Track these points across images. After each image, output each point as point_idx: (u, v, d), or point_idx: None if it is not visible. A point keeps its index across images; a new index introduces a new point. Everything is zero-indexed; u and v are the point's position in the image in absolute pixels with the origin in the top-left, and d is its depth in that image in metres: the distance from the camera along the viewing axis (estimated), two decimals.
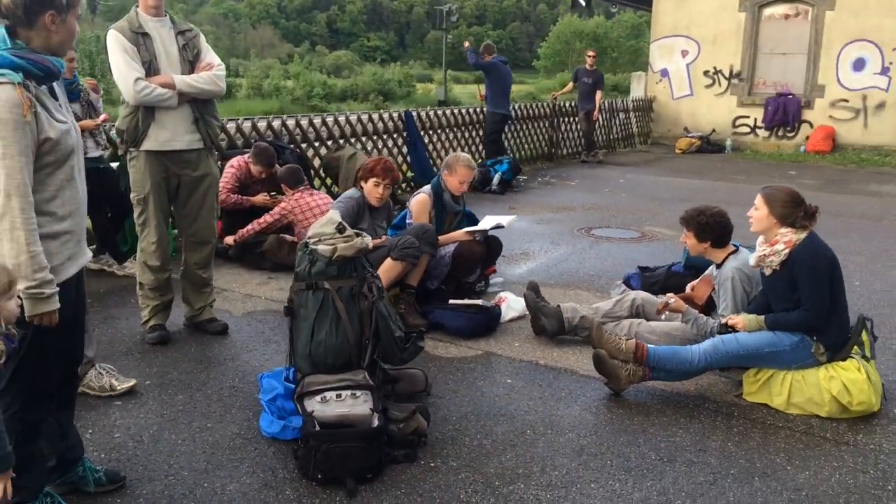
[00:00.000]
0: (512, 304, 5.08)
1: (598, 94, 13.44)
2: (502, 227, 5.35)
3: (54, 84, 2.54)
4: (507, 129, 11.84)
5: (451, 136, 11.05)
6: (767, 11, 15.99)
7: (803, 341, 3.74)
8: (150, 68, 4.10)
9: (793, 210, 3.73)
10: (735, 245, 4.37)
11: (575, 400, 3.89)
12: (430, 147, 10.50)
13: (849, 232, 8.22)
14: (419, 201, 5.22)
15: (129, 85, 4.03)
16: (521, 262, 6.67)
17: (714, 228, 4.26)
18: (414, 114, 10.29)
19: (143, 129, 4.15)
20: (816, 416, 3.72)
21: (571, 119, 14.03)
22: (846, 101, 15.33)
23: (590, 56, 13.63)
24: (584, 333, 4.55)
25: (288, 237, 6.07)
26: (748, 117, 16.27)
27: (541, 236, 7.69)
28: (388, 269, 4.67)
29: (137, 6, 4.21)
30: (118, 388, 3.75)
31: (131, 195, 4.34)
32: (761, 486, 3.09)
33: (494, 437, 3.46)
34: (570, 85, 14.13)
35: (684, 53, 16.77)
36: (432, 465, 3.21)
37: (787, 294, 3.74)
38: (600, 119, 14.21)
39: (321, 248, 3.39)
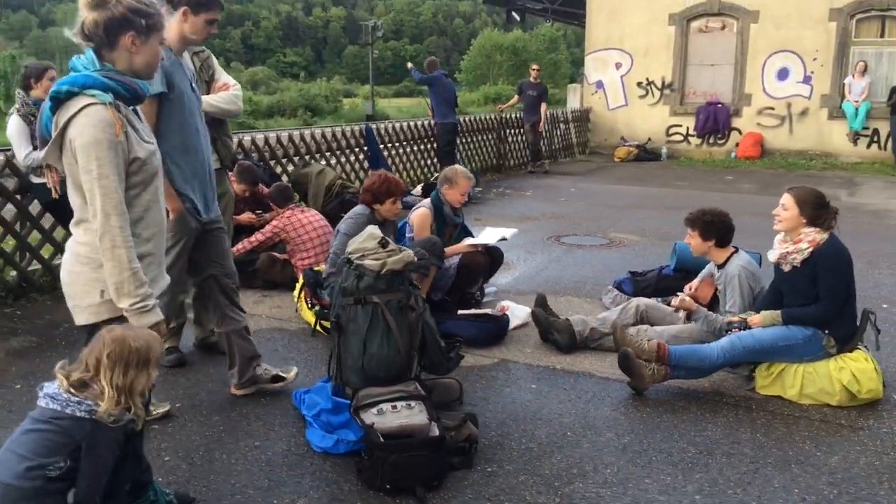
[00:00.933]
0: (515, 313, 5.21)
1: (543, 106, 13.77)
2: (505, 239, 5.49)
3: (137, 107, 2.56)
4: (458, 142, 12.04)
5: (407, 149, 11.16)
6: (695, 24, 16.69)
7: (815, 335, 3.99)
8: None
9: (822, 211, 3.98)
10: (734, 246, 4.62)
11: (602, 401, 4.04)
12: (389, 161, 10.57)
13: None
14: (421, 215, 5.30)
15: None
16: (504, 271, 6.78)
17: (719, 227, 4.49)
18: (374, 128, 10.36)
19: None
20: (828, 405, 3.97)
21: (517, 131, 14.32)
22: (772, 108, 16.13)
23: (534, 69, 13.97)
24: (593, 344, 4.72)
25: (279, 255, 6.05)
26: (681, 126, 16.92)
27: (514, 246, 7.82)
28: None
29: None
30: (153, 412, 3.70)
31: None
32: (800, 472, 3.29)
33: (539, 440, 3.57)
34: (515, 98, 14.43)
35: (618, 66, 17.33)
36: (489, 469, 3.29)
37: (806, 290, 3.97)
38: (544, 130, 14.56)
39: (368, 262, 3.45)
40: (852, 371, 3.93)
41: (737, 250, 4.59)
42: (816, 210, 4.00)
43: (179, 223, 3.56)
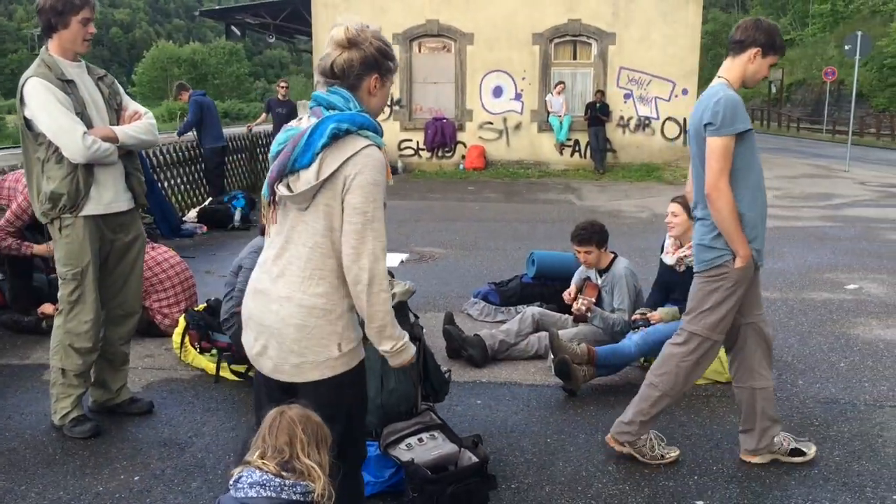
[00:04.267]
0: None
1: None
2: (402, 262, 5.51)
3: None
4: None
5: (175, 173, 10.46)
6: (418, 44, 17.68)
7: None
8: (83, 120, 3.55)
9: None
10: (612, 251, 5.19)
11: (549, 406, 4.33)
12: (159, 186, 9.83)
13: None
14: None
15: (76, 141, 3.44)
16: None
17: (606, 235, 5.02)
18: (142, 153, 9.54)
19: (84, 190, 3.57)
20: (717, 382, 4.67)
21: (267, 150, 14.03)
22: (491, 123, 17.67)
23: (282, 87, 13.80)
24: (501, 356, 5.01)
25: None
26: (411, 140, 17.81)
27: None
28: None
29: (48, 49, 3.60)
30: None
31: (60, 270, 3.67)
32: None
33: (530, 451, 3.76)
34: (263, 116, 14.13)
35: None
36: (514, 486, 3.41)
37: None
38: None
39: None
40: None
41: (616, 255, 5.16)
42: None
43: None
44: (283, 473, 2.04)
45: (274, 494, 2.02)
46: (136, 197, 3.85)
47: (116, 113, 3.77)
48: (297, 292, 2.28)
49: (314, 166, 2.18)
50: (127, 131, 3.69)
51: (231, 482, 2.08)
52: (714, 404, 4.36)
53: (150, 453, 3.69)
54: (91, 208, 3.62)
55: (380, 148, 2.25)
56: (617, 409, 4.23)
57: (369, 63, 2.28)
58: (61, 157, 3.52)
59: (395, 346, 2.31)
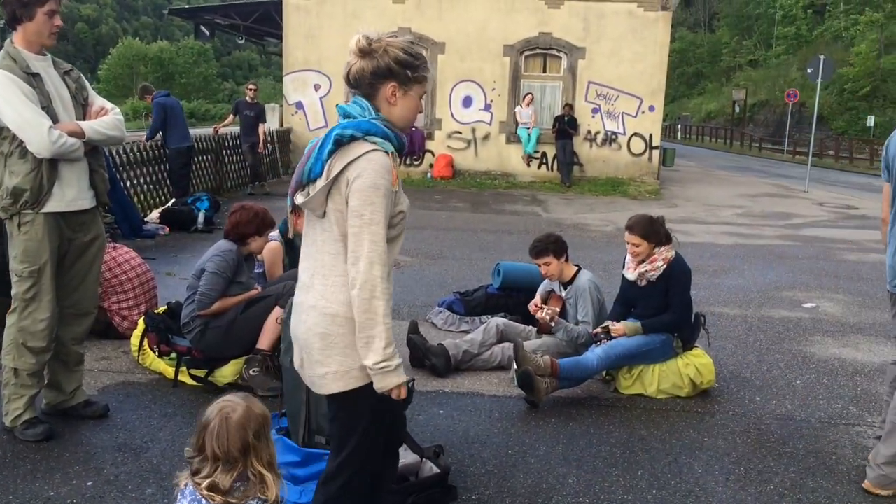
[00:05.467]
0: None
1: (262, 127, 13.57)
2: None
3: None
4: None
5: (138, 172, 10.31)
6: None
7: (668, 339, 4.71)
8: (48, 115, 3.48)
9: (660, 229, 4.66)
10: (576, 264, 5.22)
11: (511, 418, 4.33)
12: (121, 185, 9.67)
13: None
14: (272, 249, 5.09)
15: (42, 135, 3.36)
16: None
17: (562, 245, 5.05)
18: (106, 151, 9.38)
19: (48, 187, 3.49)
20: (677, 396, 4.71)
21: (234, 152, 13.91)
22: (460, 132, 17.72)
23: (250, 90, 13.68)
24: (465, 366, 5.00)
25: None
26: None
27: None
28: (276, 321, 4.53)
29: (12, 41, 3.52)
30: None
31: (16, 266, 3.58)
32: (706, 457, 3.92)
33: (491, 462, 3.75)
34: (231, 117, 13.98)
35: (317, 87, 17.65)
36: (475, 497, 3.40)
37: (658, 301, 4.67)
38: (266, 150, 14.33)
39: None
40: (696, 366, 4.72)
41: (580, 268, 5.20)
42: (657, 233, 4.72)
43: None
44: (230, 500, 2.00)
45: None
46: (99, 195, 3.78)
47: (83, 108, 3.70)
48: (321, 300, 2.28)
49: (324, 174, 2.23)
50: (94, 126, 3.62)
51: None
52: (673, 419, 4.40)
53: (105, 458, 3.61)
54: (53, 205, 3.54)
55: (387, 153, 2.25)
56: (578, 421, 4.27)
57: (382, 72, 2.29)
58: (25, 152, 3.44)
59: (379, 362, 2.18)
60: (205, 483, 2.01)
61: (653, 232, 4.66)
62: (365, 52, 2.29)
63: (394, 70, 2.29)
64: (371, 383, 2.25)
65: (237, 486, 2.02)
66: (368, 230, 2.18)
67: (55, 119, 3.50)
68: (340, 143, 2.23)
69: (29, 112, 3.38)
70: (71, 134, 3.50)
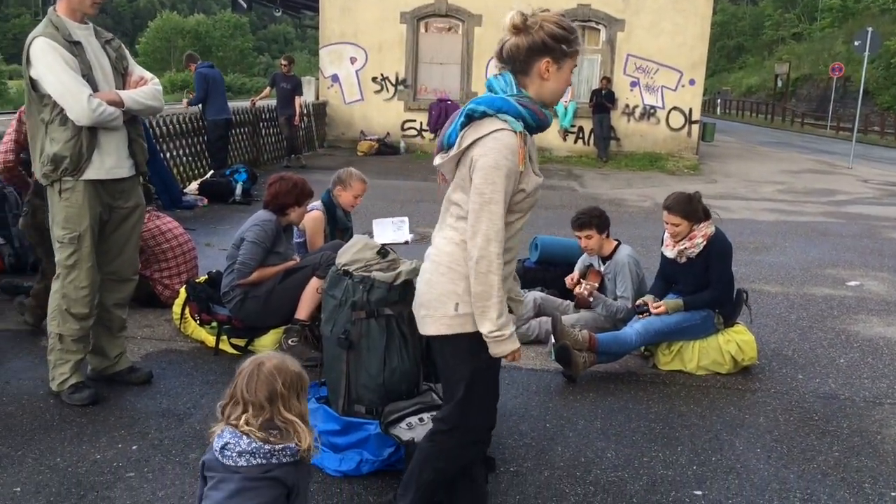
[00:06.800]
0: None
1: (298, 100, 13.59)
2: (408, 242, 5.48)
3: None
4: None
5: (177, 144, 10.40)
6: (425, 24, 17.55)
7: (709, 315, 4.64)
8: (88, 83, 3.50)
9: (699, 206, 4.58)
10: (616, 239, 5.15)
11: (548, 391, 4.32)
12: (161, 157, 9.78)
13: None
14: (314, 218, 5.11)
15: (82, 103, 3.40)
16: None
17: (605, 220, 4.98)
18: (146, 122, 9.48)
19: (87, 154, 3.52)
20: (717, 373, 4.65)
21: (271, 125, 13.97)
22: None
23: (283, 64, 13.69)
24: None
25: None
26: (415, 121, 17.72)
27: None
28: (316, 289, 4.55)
29: (55, 9, 3.54)
30: None
31: (58, 233, 3.63)
32: (747, 434, 3.88)
33: (529, 435, 3.75)
34: (268, 90, 14.03)
35: (353, 60, 17.61)
36: (513, 469, 3.40)
37: (699, 278, 4.60)
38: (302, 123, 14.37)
39: (378, 274, 3.34)
40: (737, 342, 4.65)
41: (619, 242, 5.13)
42: (696, 211, 4.62)
43: None
44: (270, 438, 2.04)
45: (265, 461, 2.05)
46: (138, 165, 3.81)
47: (122, 77, 3.72)
48: (433, 250, 2.50)
49: (457, 143, 2.36)
50: (133, 96, 3.64)
51: (217, 448, 2.07)
52: (714, 395, 4.35)
53: (149, 423, 3.67)
54: (92, 173, 3.58)
55: (515, 133, 2.29)
56: (616, 396, 4.24)
57: (537, 48, 2.33)
58: (66, 119, 3.47)
59: (493, 331, 2.33)
60: (241, 420, 2.05)
61: (692, 210, 4.58)
62: (519, 29, 2.34)
63: (549, 45, 2.33)
64: (467, 334, 2.40)
65: (271, 432, 2.05)
66: (487, 209, 2.29)
67: (95, 87, 3.52)
68: (472, 117, 2.32)
69: (70, 80, 3.40)
70: (110, 103, 3.52)
